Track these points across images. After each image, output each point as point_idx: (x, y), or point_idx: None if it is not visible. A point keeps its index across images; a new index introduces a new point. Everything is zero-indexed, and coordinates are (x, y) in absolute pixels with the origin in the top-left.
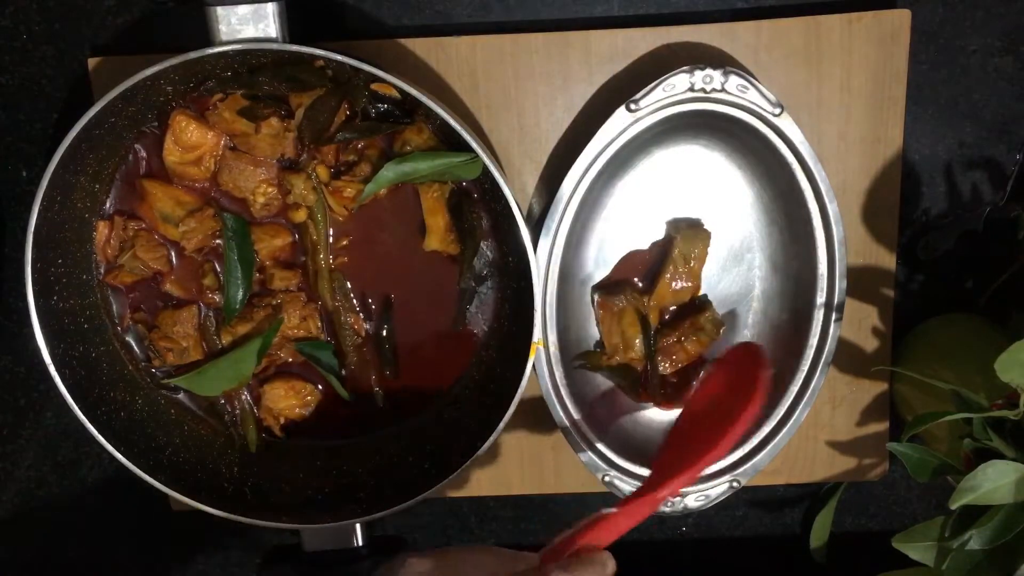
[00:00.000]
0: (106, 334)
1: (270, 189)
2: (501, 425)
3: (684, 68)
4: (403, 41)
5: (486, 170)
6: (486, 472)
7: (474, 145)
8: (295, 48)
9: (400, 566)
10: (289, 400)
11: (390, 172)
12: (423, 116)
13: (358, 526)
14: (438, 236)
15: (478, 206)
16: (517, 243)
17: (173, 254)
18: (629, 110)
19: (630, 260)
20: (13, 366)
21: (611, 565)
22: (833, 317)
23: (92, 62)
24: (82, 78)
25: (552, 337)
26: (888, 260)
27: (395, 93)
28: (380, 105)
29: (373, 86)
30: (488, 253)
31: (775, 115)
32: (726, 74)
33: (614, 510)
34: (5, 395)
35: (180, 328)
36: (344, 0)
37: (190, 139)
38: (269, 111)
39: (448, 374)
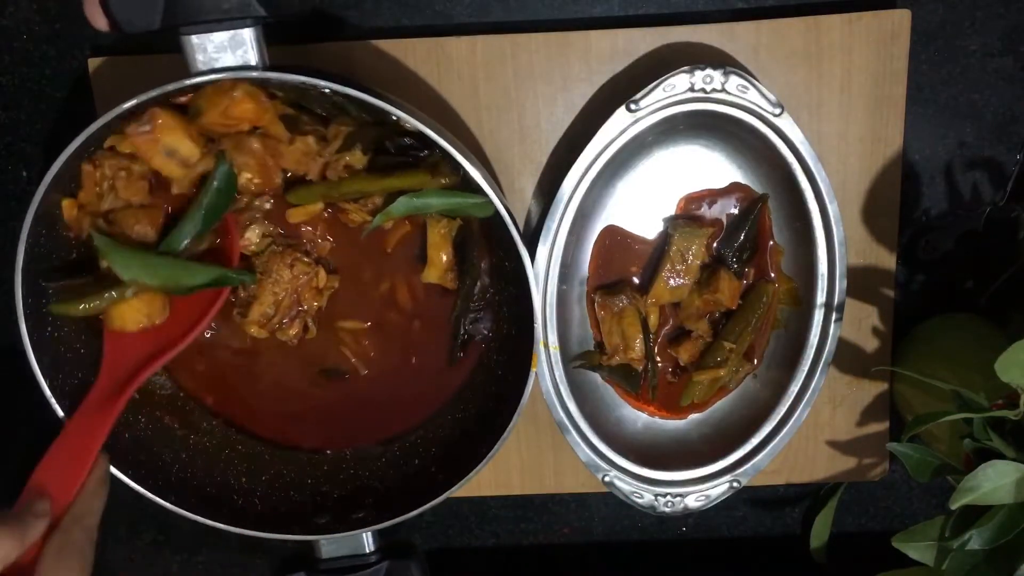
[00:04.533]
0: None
1: (256, 180)
2: (508, 430)
3: (684, 68)
4: (402, 42)
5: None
6: (486, 472)
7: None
8: (274, 76)
9: None
10: None
11: (402, 206)
12: (440, 152)
13: (370, 533)
14: (438, 270)
15: (482, 243)
16: (513, 253)
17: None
18: (629, 110)
19: (608, 247)
20: (13, 366)
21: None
22: (833, 317)
23: (92, 62)
24: (82, 78)
25: (552, 337)
26: (888, 260)
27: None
28: (403, 139)
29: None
30: (487, 292)
31: (775, 115)
32: (726, 74)
33: None
34: (5, 395)
35: (140, 228)
36: (343, 1)
37: (176, 149)
38: (310, 128)
39: (450, 385)
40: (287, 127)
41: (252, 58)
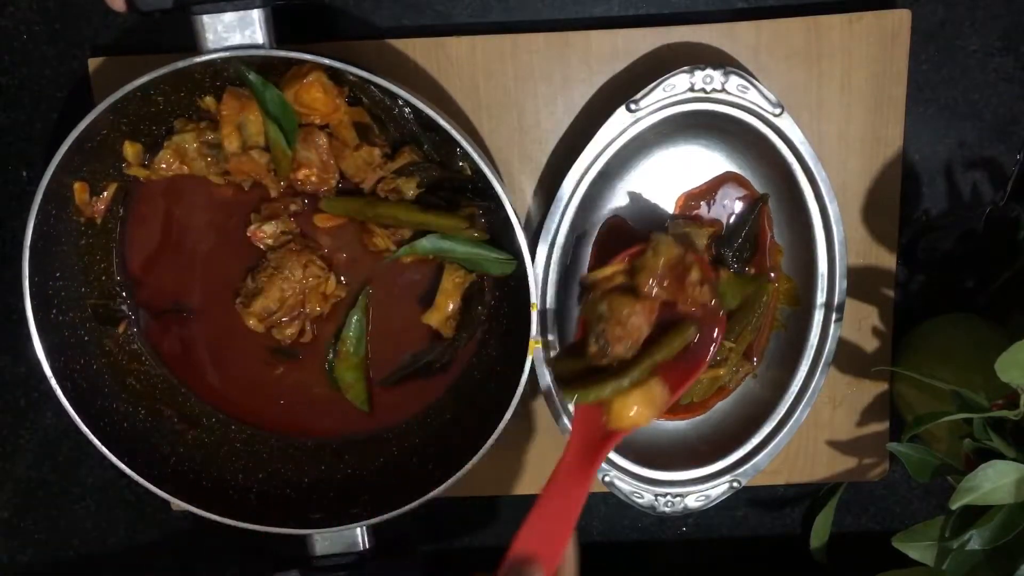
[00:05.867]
0: (106, 345)
1: (314, 178)
2: (502, 424)
3: (684, 68)
4: (402, 42)
5: (480, 172)
6: (486, 472)
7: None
8: (282, 53)
9: None
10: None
11: (428, 243)
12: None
13: (364, 529)
14: (441, 315)
15: (488, 301)
16: (513, 245)
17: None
18: (629, 110)
19: (610, 238)
20: (13, 366)
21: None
22: (833, 317)
23: (92, 62)
24: (82, 78)
25: (552, 337)
26: (888, 260)
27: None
28: (462, 184)
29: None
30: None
31: (775, 115)
32: (726, 74)
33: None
34: (5, 395)
35: (634, 319)
36: (343, 1)
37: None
38: (380, 143)
39: (441, 381)
40: (358, 134)
41: (260, 37)
